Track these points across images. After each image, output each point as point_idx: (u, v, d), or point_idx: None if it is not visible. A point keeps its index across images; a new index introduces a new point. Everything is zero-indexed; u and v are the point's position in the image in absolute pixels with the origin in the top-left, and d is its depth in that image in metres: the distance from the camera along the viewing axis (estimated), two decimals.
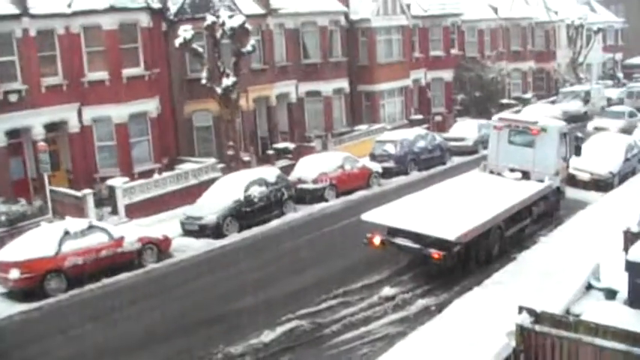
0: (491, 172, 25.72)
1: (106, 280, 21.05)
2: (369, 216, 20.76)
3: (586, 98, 51.80)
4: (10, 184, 27.75)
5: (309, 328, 17.02)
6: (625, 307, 13.87)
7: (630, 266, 14.14)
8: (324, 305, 18.29)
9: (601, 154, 30.14)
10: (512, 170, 24.86)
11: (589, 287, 15.47)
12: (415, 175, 34.48)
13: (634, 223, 17.68)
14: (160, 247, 23.21)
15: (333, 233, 19.17)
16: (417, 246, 19.56)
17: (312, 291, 19.01)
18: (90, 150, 29.98)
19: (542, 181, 24.18)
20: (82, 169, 29.75)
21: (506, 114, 27.81)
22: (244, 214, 26.31)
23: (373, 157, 35.17)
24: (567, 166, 26.62)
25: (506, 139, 25.54)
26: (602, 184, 29.32)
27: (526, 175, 24.61)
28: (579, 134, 28.38)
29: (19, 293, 20.03)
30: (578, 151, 26.58)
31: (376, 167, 33.23)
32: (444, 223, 19.31)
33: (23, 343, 17.11)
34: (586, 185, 29.45)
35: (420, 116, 46.20)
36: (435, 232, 19.03)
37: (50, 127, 28.80)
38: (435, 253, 18.96)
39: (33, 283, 19.91)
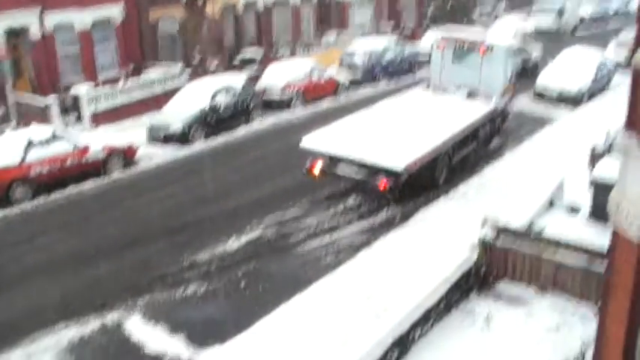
0: (435, 89, 24.63)
1: (71, 189, 20.98)
2: (309, 142, 19.34)
3: (560, 13, 51.31)
4: None
5: (274, 237, 17.26)
6: (587, 222, 14.16)
7: (594, 183, 14.37)
8: (289, 214, 18.49)
9: (571, 70, 30.22)
10: (458, 88, 23.85)
11: (552, 203, 15.73)
12: (383, 85, 34.26)
13: (600, 141, 17.88)
14: (126, 156, 23.06)
15: (299, 141, 19.02)
16: (360, 176, 18.63)
17: (278, 200, 19.18)
18: (53, 57, 29.13)
19: (489, 101, 23.24)
20: (45, 78, 28.93)
21: (451, 33, 26.32)
22: (211, 121, 26.22)
23: (341, 66, 34.86)
24: (513, 87, 25.59)
25: (450, 58, 24.55)
26: (570, 101, 29.43)
27: (471, 95, 23.62)
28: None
29: None
30: (527, 73, 26.47)
31: (344, 78, 33.03)
32: (391, 150, 18.24)
33: None
34: (554, 101, 29.60)
35: (389, 27, 45.65)
36: (381, 162, 17.91)
37: (11, 34, 27.94)
38: (380, 183, 17.95)
39: None
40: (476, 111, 22.37)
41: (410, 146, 18.52)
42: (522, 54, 33.67)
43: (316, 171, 19.15)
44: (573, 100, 29.42)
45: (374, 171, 18.10)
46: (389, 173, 17.79)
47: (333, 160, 19.09)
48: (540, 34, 42.96)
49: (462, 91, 23.68)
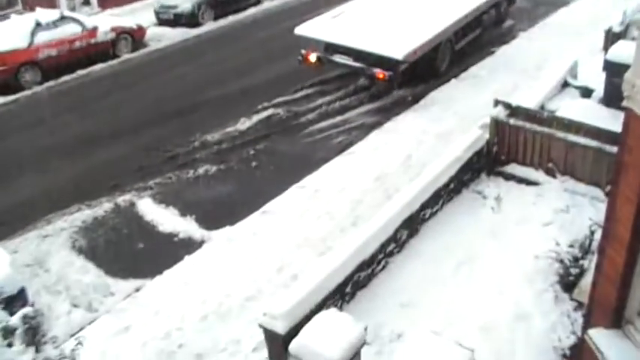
0: None
1: (80, 72, 20.91)
2: (304, 30, 18.53)
3: None
4: None
5: (285, 116, 17.21)
6: (600, 105, 13.98)
7: (608, 65, 14.11)
8: (300, 94, 18.38)
9: None
10: None
11: (565, 84, 15.52)
12: None
13: (616, 23, 17.46)
14: (135, 37, 22.85)
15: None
16: (358, 64, 17.70)
17: (289, 80, 18.95)
18: None
19: None
20: None
21: None
22: (220, 1, 25.79)
23: None
24: None
25: None
26: None
27: None
28: None
29: None
30: None
31: None
32: (390, 38, 17.31)
33: (3, 135, 17.17)
34: None
35: None
36: (379, 50, 16.95)
37: None
38: (379, 72, 17.14)
39: (7, 76, 19.63)
40: None
41: (410, 34, 17.63)
42: None
43: (312, 59, 18.31)
44: None
45: (372, 60, 17.29)
46: (388, 62, 16.99)
47: (329, 48, 18.33)
48: None
49: None
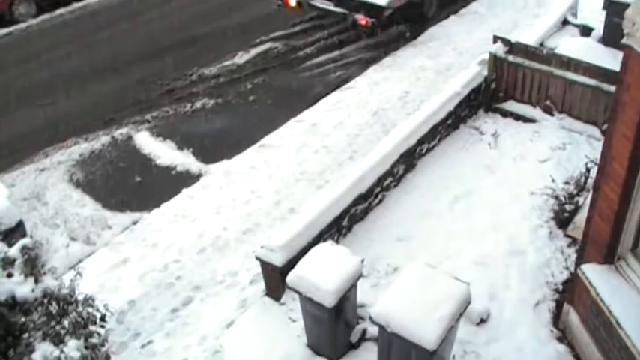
0: None
1: (76, 4, 20.55)
2: None
3: None
4: None
5: (282, 51, 17.02)
6: (599, 44, 13.91)
7: (609, 4, 14.01)
8: (298, 28, 18.14)
9: None
10: None
11: (565, 22, 15.40)
12: None
13: None
14: None
15: None
16: (340, 10, 16.75)
17: (286, 13, 18.63)
18: None
19: None
20: None
21: None
22: None
23: None
24: None
25: None
26: None
27: None
28: None
29: None
30: None
31: None
32: None
33: None
34: None
35: None
36: None
37: None
38: (362, 19, 16.31)
39: (2, 9, 19.25)
40: None
41: None
42: None
43: (292, 2, 17.24)
44: None
45: (355, 5, 16.44)
46: (372, 7, 16.25)
47: None
48: None
49: None
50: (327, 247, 8.12)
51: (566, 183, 10.54)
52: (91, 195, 12.16)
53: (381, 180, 10.61)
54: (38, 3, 19.90)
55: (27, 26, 19.39)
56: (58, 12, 20.14)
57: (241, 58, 16.68)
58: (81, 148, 13.55)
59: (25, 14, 19.64)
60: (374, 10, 16.28)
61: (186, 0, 20.53)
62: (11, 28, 19.19)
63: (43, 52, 17.60)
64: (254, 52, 16.94)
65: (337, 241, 9.57)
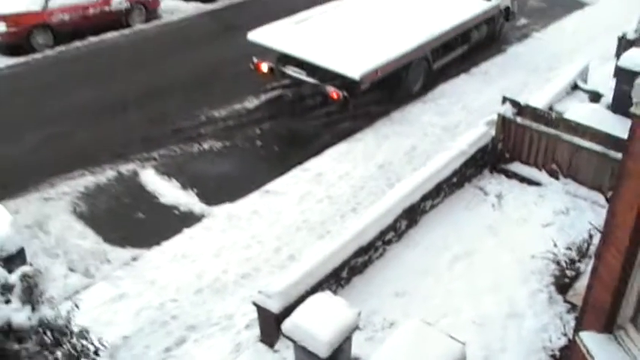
0: None
1: (92, 38, 20.89)
2: (257, 36, 16.63)
3: None
4: None
5: (292, 98, 17.16)
6: (608, 111, 13.97)
7: (619, 72, 14.10)
8: None
9: None
10: None
11: (575, 87, 15.51)
12: None
13: (630, 30, 17.43)
14: (149, 8, 22.81)
15: None
16: (312, 80, 15.74)
17: None
18: None
19: None
20: None
21: None
22: None
23: None
24: None
25: None
26: None
27: None
28: None
29: (5, 47, 19.84)
30: None
31: None
32: (350, 54, 15.43)
33: (12, 95, 17.20)
34: None
35: None
36: (334, 66, 15.04)
37: None
38: (333, 91, 15.15)
39: (20, 38, 19.66)
40: (469, 9, 18.81)
41: (374, 50, 15.71)
42: None
43: (264, 68, 16.51)
44: None
45: (328, 76, 15.41)
46: (344, 80, 15.09)
47: (282, 59, 16.41)
48: None
49: None
50: (324, 297, 8.09)
51: (568, 248, 10.49)
52: (93, 228, 12.16)
53: (382, 234, 10.60)
54: (55, 34, 20.19)
55: (43, 56, 19.69)
56: (75, 44, 20.47)
57: (251, 102, 16.83)
58: (87, 180, 13.60)
59: (42, 44, 20.01)
60: (346, 84, 15.14)
61: (199, 42, 20.78)
62: (28, 57, 19.51)
63: (57, 82, 17.81)
64: (264, 97, 17.11)
65: (335, 292, 9.52)
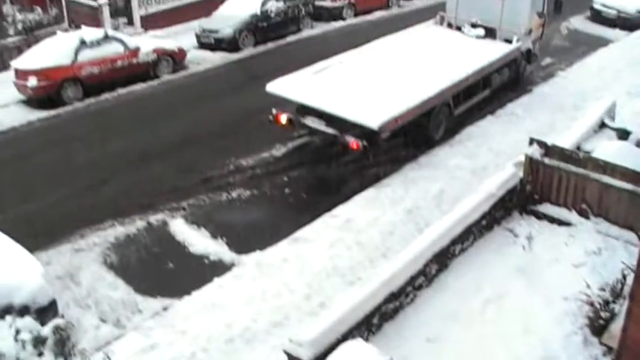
0: (450, 25, 21.15)
1: (121, 90, 21.25)
2: (275, 87, 16.42)
3: None
4: None
5: (319, 145, 17.24)
6: (636, 148, 13.88)
7: None
8: None
9: None
10: (474, 26, 20.40)
11: (602, 125, 15.43)
12: None
13: None
14: (176, 59, 23.18)
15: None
16: (331, 130, 15.52)
17: None
18: None
19: (509, 41, 19.76)
20: None
21: None
22: (261, 28, 26.04)
23: None
24: (543, 24, 21.59)
25: None
26: (628, 23, 28.38)
27: (491, 33, 20.15)
28: None
29: (37, 101, 20.27)
30: (558, 7, 24.21)
31: None
32: (370, 103, 15.30)
33: (44, 147, 17.47)
34: (611, 23, 28.65)
35: None
36: (353, 116, 14.85)
37: None
38: (353, 142, 14.98)
39: (50, 91, 20.09)
40: (490, 53, 18.94)
41: (394, 98, 15.58)
42: None
43: (283, 120, 16.30)
44: (630, 23, 28.32)
45: (347, 126, 15.20)
46: (364, 130, 14.91)
47: (300, 111, 16.21)
48: None
49: (477, 28, 20.39)
50: (356, 344, 8.05)
51: (602, 289, 10.33)
52: (124, 278, 12.23)
53: (413, 279, 10.52)
54: (85, 87, 20.56)
55: (73, 109, 20.09)
56: (104, 96, 20.84)
57: (278, 150, 16.95)
58: (117, 230, 13.71)
59: (72, 97, 20.42)
60: (367, 133, 14.96)
61: (226, 92, 21.03)
62: (59, 110, 19.92)
63: (87, 134, 18.12)
64: (291, 145, 17.24)
65: (367, 339, 9.45)
